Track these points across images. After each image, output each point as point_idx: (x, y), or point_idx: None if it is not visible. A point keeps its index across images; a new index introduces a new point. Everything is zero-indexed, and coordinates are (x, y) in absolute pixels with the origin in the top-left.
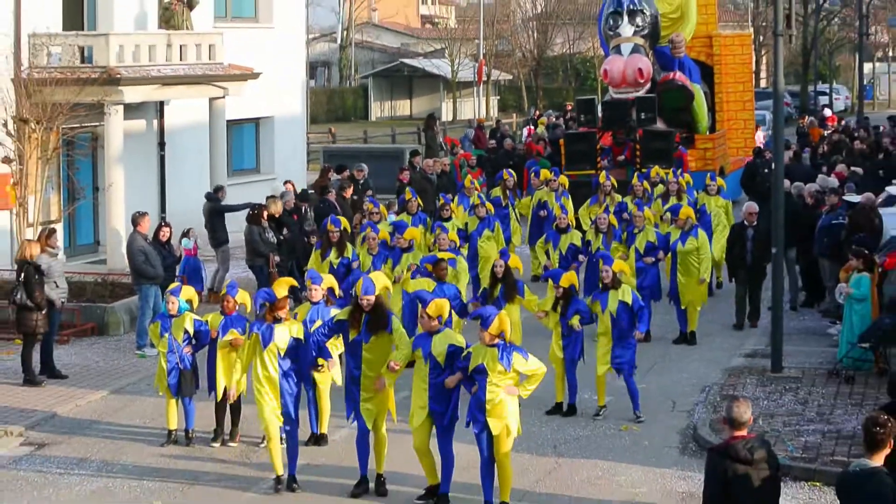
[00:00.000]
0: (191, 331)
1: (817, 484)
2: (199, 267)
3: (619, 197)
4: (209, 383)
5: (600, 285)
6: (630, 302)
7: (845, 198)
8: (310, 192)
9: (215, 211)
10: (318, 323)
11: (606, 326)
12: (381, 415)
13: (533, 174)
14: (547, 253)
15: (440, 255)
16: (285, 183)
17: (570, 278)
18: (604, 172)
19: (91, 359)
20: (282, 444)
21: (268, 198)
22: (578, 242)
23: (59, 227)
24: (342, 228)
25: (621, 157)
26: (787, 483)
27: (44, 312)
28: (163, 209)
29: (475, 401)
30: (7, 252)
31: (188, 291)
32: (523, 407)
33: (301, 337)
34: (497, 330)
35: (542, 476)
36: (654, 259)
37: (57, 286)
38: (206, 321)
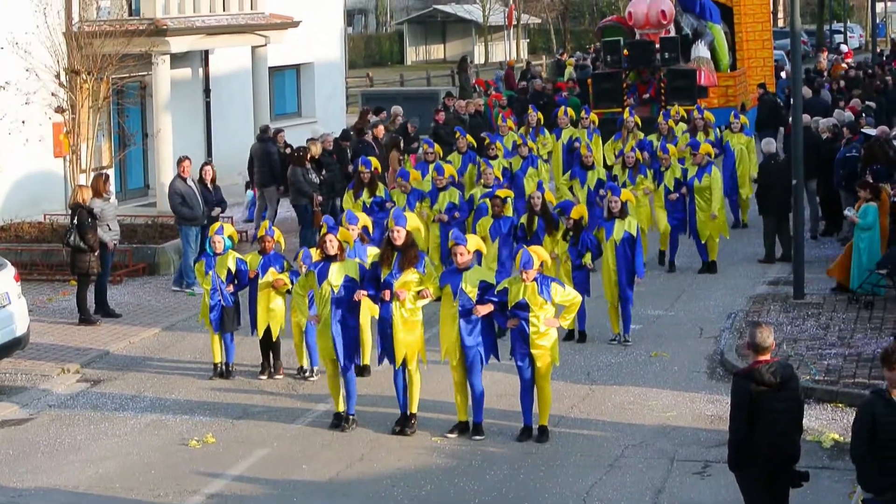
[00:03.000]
0: (233, 269)
1: (840, 405)
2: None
3: (641, 134)
4: (251, 321)
5: (606, 214)
6: (634, 234)
7: (862, 130)
8: (350, 133)
9: (264, 152)
10: (368, 260)
11: (610, 255)
12: (411, 354)
13: (562, 112)
14: (571, 189)
15: (499, 191)
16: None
17: (580, 210)
18: (627, 110)
19: (143, 298)
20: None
21: (308, 140)
22: (605, 178)
23: (111, 173)
24: (373, 168)
25: (646, 95)
26: (810, 405)
27: (97, 254)
28: (209, 153)
29: (517, 334)
30: (62, 198)
31: (230, 229)
32: None
33: (356, 276)
34: (538, 265)
35: (576, 402)
36: (678, 195)
37: (110, 229)
38: (246, 261)
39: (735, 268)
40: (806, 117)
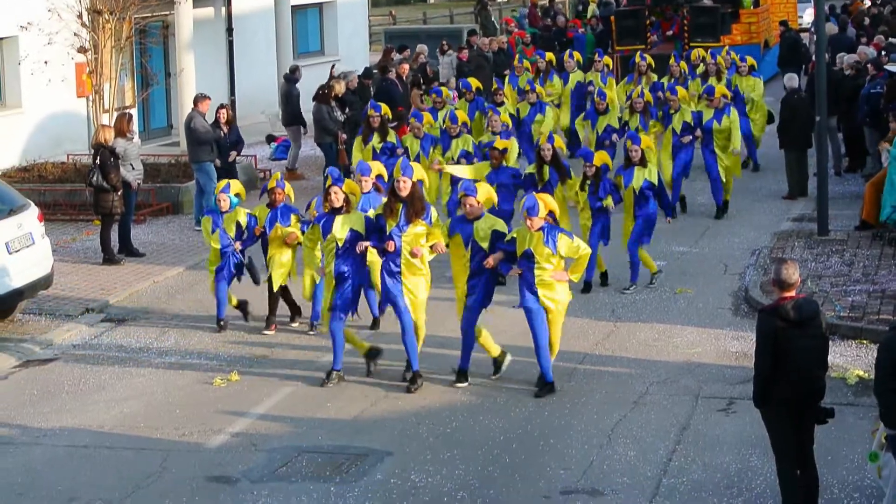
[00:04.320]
0: (244, 223)
1: (864, 341)
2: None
3: (654, 76)
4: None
5: (624, 162)
6: (655, 182)
7: (886, 67)
8: (374, 71)
9: (287, 92)
10: (371, 213)
11: (629, 203)
12: (420, 307)
13: (567, 56)
14: (572, 133)
15: (497, 143)
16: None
17: (602, 157)
18: (638, 53)
19: (167, 237)
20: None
21: (331, 78)
22: (616, 123)
23: (134, 113)
24: (382, 114)
25: (669, 32)
26: (834, 341)
27: (119, 194)
28: (232, 92)
29: (523, 282)
30: (84, 138)
31: (237, 186)
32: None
33: (361, 229)
34: (544, 213)
35: (600, 339)
36: (690, 137)
37: (133, 168)
38: (255, 215)
39: (759, 204)
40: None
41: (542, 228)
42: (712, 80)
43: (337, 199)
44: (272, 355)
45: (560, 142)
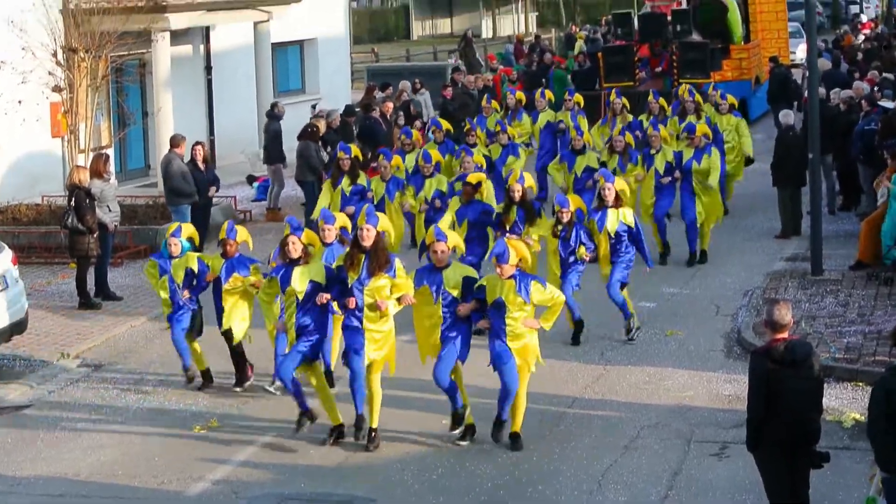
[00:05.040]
0: (195, 269)
1: (860, 384)
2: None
3: (630, 116)
4: (219, 324)
5: (596, 203)
6: (632, 224)
7: (880, 103)
8: (356, 109)
9: (270, 129)
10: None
11: (604, 248)
12: (377, 366)
13: (539, 94)
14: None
15: (470, 177)
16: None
17: (577, 202)
18: (614, 91)
19: (145, 280)
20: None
21: (313, 117)
22: (595, 164)
23: (111, 153)
24: (353, 156)
25: (659, 69)
26: (829, 383)
27: (95, 236)
28: (211, 132)
29: (493, 334)
30: (60, 179)
31: (188, 229)
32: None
33: (322, 281)
34: (515, 261)
35: (589, 382)
36: (670, 178)
37: (110, 210)
38: (208, 263)
39: (751, 243)
40: (822, 90)
41: (513, 276)
42: (691, 118)
43: (295, 249)
44: (251, 400)
45: (531, 182)
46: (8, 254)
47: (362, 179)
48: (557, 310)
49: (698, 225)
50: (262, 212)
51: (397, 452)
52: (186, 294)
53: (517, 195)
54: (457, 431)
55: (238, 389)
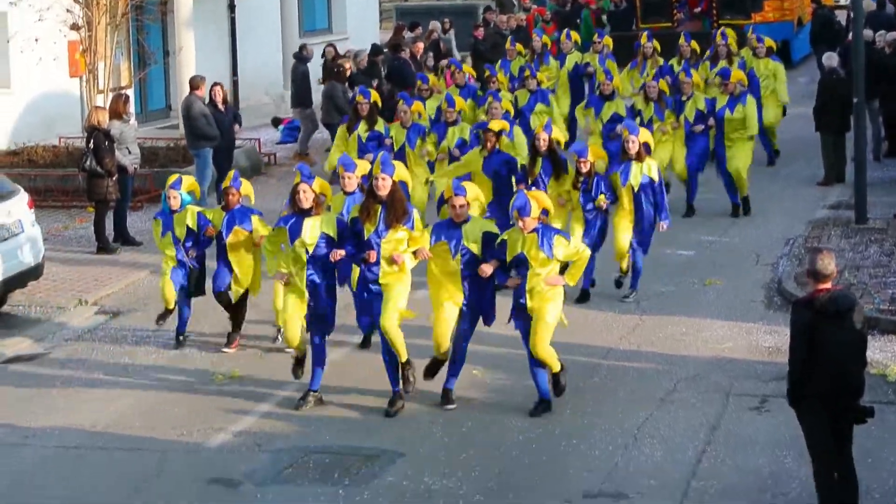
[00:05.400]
0: (193, 224)
1: None
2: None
3: (661, 60)
4: (217, 286)
5: (621, 156)
6: (655, 178)
7: None
8: (384, 49)
9: (296, 72)
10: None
11: (627, 202)
12: (397, 314)
13: (564, 36)
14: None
15: (492, 123)
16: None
17: (597, 152)
18: (645, 33)
19: None
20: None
21: (340, 57)
22: (623, 111)
23: (130, 93)
24: (372, 100)
25: (697, 9)
26: (874, 335)
27: (115, 179)
28: (234, 72)
29: (516, 294)
30: (78, 120)
31: (189, 181)
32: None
33: (333, 234)
34: (537, 213)
35: (625, 333)
36: (702, 127)
37: (129, 152)
38: (209, 217)
39: (793, 191)
40: (868, 32)
41: (535, 230)
42: (723, 63)
43: (305, 198)
44: (275, 348)
45: (559, 133)
46: (24, 197)
47: (380, 125)
48: (583, 265)
49: (734, 176)
50: (288, 155)
51: (426, 405)
52: (192, 253)
53: (543, 145)
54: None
55: (228, 350)
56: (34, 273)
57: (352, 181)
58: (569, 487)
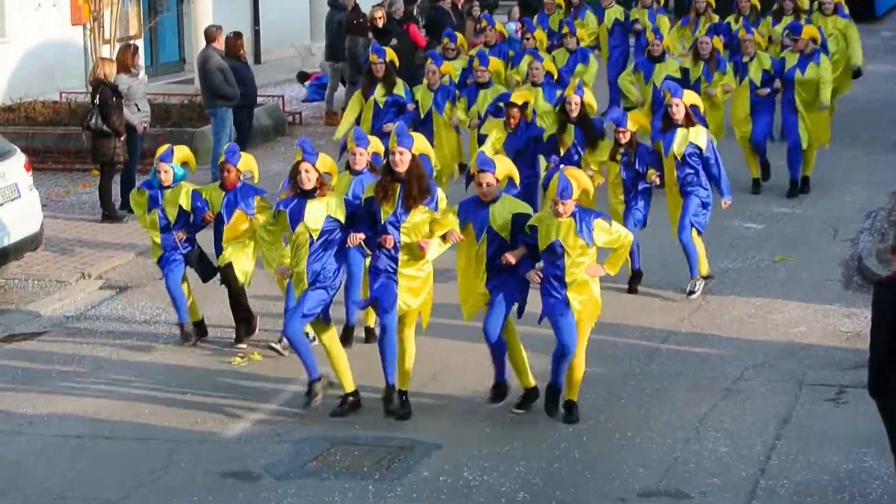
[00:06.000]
0: (187, 205)
1: None
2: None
3: (716, 17)
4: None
5: (663, 123)
6: (704, 147)
7: None
8: None
9: (330, 21)
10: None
11: (671, 174)
12: (411, 318)
13: None
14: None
15: (515, 95)
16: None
17: (638, 119)
18: None
19: None
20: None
21: (373, 6)
22: (678, 73)
23: (140, 44)
24: (389, 60)
25: None
26: None
27: (122, 139)
28: (255, 22)
29: (548, 285)
30: (81, 73)
31: (182, 152)
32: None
33: (342, 218)
34: (577, 195)
35: (687, 314)
36: (769, 91)
37: (138, 109)
38: (206, 197)
39: (874, 158)
40: None
41: (573, 214)
42: (788, 19)
43: (308, 178)
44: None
45: (592, 97)
46: (20, 158)
47: (399, 88)
48: (625, 252)
49: (803, 148)
50: (314, 114)
51: (465, 392)
52: (181, 235)
53: (575, 110)
54: (498, 404)
55: (242, 346)
56: (32, 243)
57: (362, 157)
58: (622, 485)
